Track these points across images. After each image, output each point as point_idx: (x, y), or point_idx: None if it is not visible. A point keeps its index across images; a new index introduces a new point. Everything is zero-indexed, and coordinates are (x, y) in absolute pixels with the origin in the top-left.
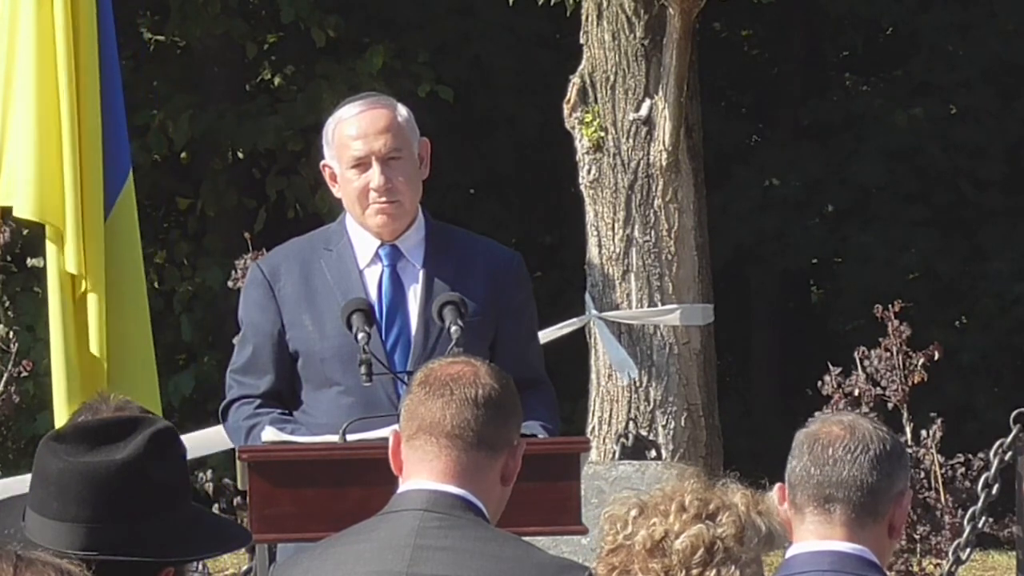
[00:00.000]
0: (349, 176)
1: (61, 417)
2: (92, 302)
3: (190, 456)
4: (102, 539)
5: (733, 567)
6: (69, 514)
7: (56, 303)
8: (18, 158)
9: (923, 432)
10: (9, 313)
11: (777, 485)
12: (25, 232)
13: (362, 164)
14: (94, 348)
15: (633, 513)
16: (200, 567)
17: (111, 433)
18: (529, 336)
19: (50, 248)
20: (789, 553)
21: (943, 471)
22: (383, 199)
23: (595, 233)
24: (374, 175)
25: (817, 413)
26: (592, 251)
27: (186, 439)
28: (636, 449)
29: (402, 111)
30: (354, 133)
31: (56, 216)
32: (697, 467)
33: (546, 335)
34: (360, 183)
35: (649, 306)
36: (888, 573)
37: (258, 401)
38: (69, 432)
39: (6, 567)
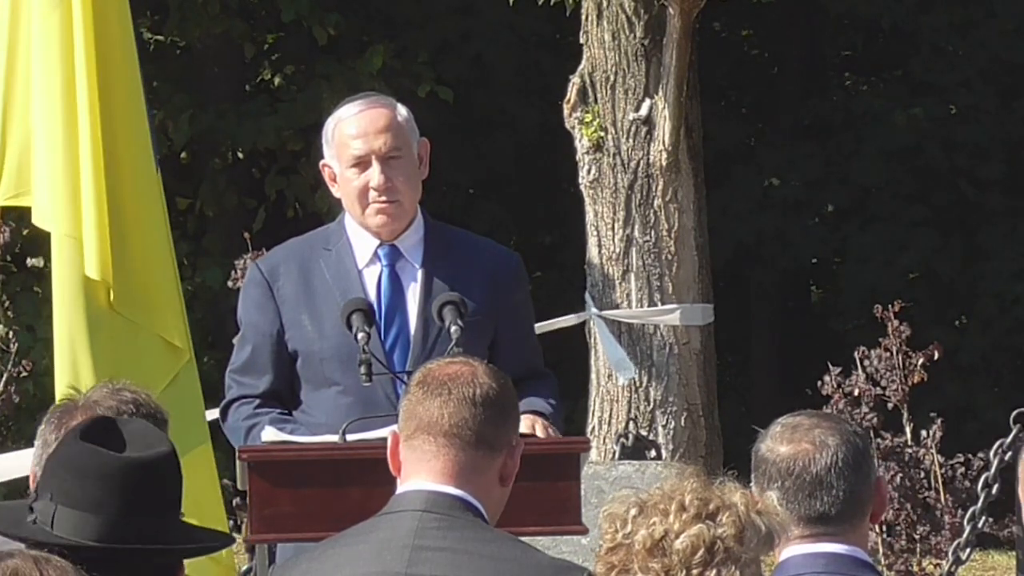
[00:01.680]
0: (349, 175)
1: None
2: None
3: None
4: (133, 530)
5: (733, 567)
6: (110, 506)
7: (71, 308)
8: (30, 161)
9: (923, 432)
10: (9, 313)
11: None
12: (25, 232)
13: (362, 163)
14: (177, 340)
15: (633, 512)
16: None
17: (138, 432)
18: (528, 334)
19: (64, 254)
20: (783, 556)
21: (943, 471)
22: (383, 198)
23: (595, 233)
24: (374, 174)
25: (771, 426)
26: (592, 251)
27: None
28: (636, 449)
29: (402, 111)
30: (354, 132)
31: (72, 223)
32: (696, 466)
33: (542, 327)
34: (360, 182)
35: (649, 306)
36: (885, 573)
37: (257, 401)
38: (97, 429)
39: (31, 566)
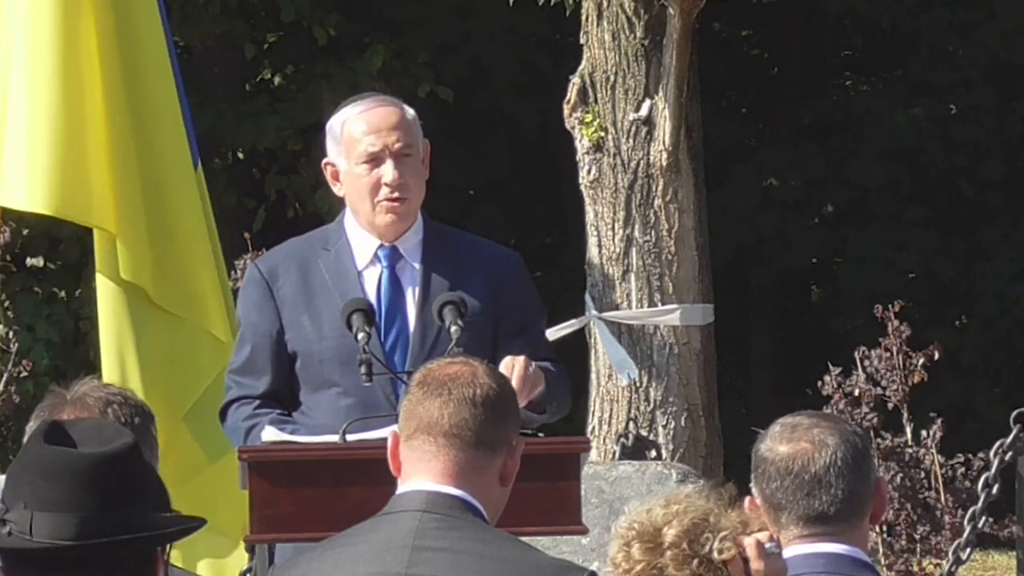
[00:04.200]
0: (359, 171)
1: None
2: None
3: None
4: (109, 524)
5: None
6: (86, 503)
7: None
8: (51, 158)
9: (923, 432)
10: (9, 313)
11: (748, 499)
12: (25, 232)
13: (375, 159)
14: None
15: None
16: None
17: (89, 430)
18: (532, 331)
19: (107, 252)
20: (783, 556)
21: (943, 471)
22: (395, 194)
23: (595, 233)
24: (387, 170)
25: (771, 426)
26: (592, 251)
27: None
28: (636, 449)
29: (409, 111)
30: (366, 128)
31: (110, 222)
32: (701, 492)
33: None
34: (371, 178)
35: (649, 306)
36: (885, 572)
37: (257, 401)
38: (55, 432)
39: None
